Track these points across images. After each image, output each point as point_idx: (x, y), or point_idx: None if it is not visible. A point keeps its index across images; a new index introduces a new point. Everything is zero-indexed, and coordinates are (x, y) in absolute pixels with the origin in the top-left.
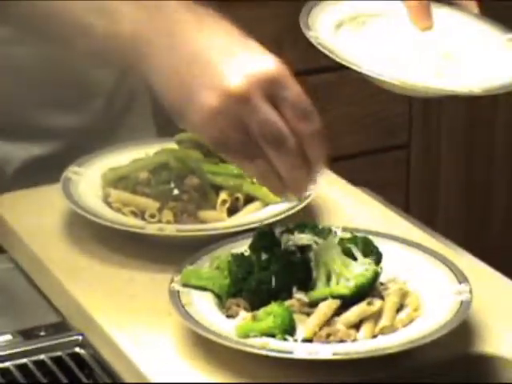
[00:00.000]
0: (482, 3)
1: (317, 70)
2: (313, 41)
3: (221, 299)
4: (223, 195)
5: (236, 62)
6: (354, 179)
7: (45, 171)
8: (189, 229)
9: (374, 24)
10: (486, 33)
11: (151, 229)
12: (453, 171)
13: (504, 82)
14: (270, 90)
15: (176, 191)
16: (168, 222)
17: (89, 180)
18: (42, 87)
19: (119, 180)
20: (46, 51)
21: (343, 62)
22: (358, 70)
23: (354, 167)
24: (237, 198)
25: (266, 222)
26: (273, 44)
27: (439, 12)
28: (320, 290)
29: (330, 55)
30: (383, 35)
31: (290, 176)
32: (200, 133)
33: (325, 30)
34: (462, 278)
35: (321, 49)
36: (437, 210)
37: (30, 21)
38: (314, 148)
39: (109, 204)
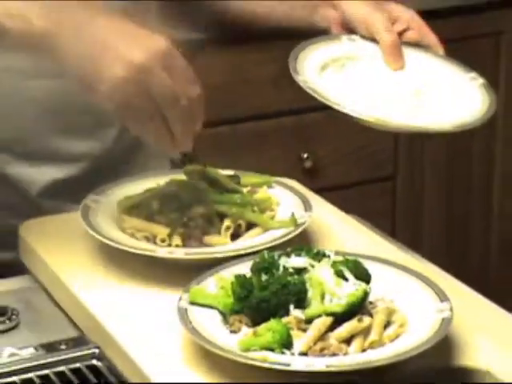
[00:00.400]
0: (447, 45)
1: (312, 108)
2: (301, 84)
3: (225, 316)
4: (227, 222)
5: (135, 40)
6: (345, 207)
7: (65, 193)
8: (196, 252)
9: (354, 66)
10: (452, 72)
11: (162, 252)
12: (435, 200)
13: (471, 119)
14: (165, 61)
15: (184, 218)
16: (177, 246)
17: (106, 208)
18: (59, 116)
19: (133, 208)
20: (63, 83)
21: (326, 103)
22: (339, 109)
23: (345, 196)
24: (239, 225)
25: (266, 246)
26: (271, 84)
27: (410, 53)
28: (315, 308)
29: (315, 96)
30: (362, 76)
31: (180, 129)
32: (108, 100)
33: (310, 73)
34: (443, 297)
35: (308, 91)
36: (421, 236)
37: None
38: (198, 106)
39: (124, 230)
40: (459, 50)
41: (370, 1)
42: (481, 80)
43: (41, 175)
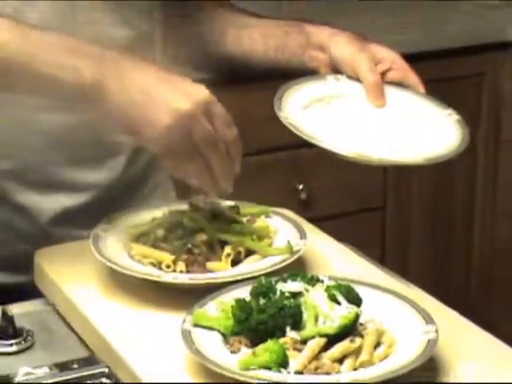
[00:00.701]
0: (427, 84)
1: (307, 144)
2: (282, 120)
3: (225, 337)
4: (228, 249)
5: (179, 89)
6: (338, 236)
7: (74, 220)
8: (199, 277)
9: (338, 104)
10: (430, 109)
11: (167, 277)
12: (421, 230)
13: (444, 153)
14: (206, 108)
15: (188, 246)
16: (181, 272)
17: (115, 236)
18: (69, 147)
19: (140, 236)
20: (73, 116)
21: (306, 138)
22: (318, 144)
23: (338, 226)
24: (239, 252)
25: (264, 271)
26: (269, 122)
27: (392, 92)
28: (309, 329)
29: (296, 132)
30: (345, 113)
31: (220, 169)
32: (154, 145)
33: (294, 110)
34: (429, 319)
35: (288, 127)
36: (408, 263)
37: (4, 80)
38: (235, 147)
39: (132, 256)
40: (444, 90)
41: (355, 43)
42: (456, 116)
43: (50, 203)
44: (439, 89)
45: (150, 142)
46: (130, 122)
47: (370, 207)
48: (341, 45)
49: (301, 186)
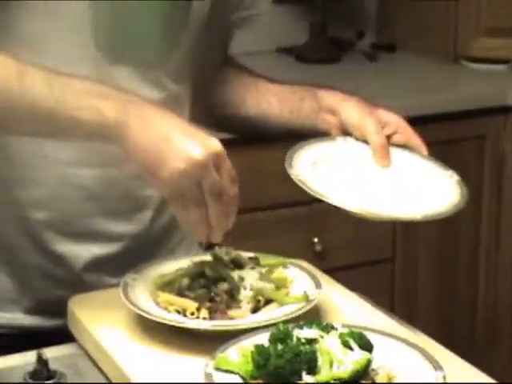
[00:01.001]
0: (432, 146)
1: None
2: (293, 177)
3: (245, 381)
4: (248, 298)
5: (196, 139)
6: (350, 286)
7: (105, 268)
8: (221, 324)
9: (345, 163)
10: (432, 170)
11: (191, 324)
12: (428, 279)
13: (441, 211)
14: (217, 160)
15: (211, 294)
16: (204, 319)
17: (143, 284)
18: (101, 200)
19: (166, 285)
20: (106, 171)
21: (314, 195)
22: (327, 201)
23: (350, 276)
24: (258, 300)
25: (282, 319)
26: (283, 179)
27: (397, 153)
28: (324, 374)
29: (305, 188)
30: (352, 172)
31: (217, 219)
32: (165, 187)
33: (304, 167)
34: (437, 366)
35: (298, 184)
36: (416, 311)
37: (31, 124)
38: (234, 203)
39: (158, 304)
40: (447, 151)
41: (363, 107)
42: (457, 177)
43: (83, 252)
44: (443, 150)
45: (161, 185)
46: (146, 163)
47: (380, 259)
48: (350, 109)
49: (316, 239)
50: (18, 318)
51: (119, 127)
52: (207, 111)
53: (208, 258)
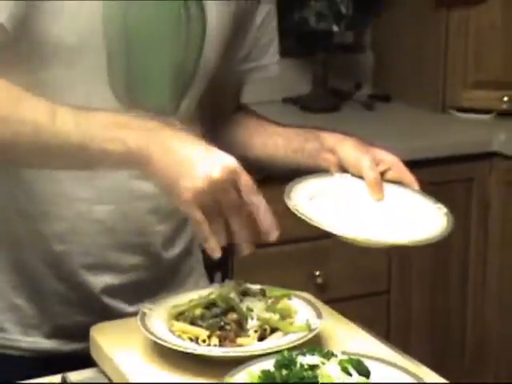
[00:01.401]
0: (428, 188)
1: (322, 236)
2: (290, 207)
3: None
4: (255, 327)
5: (213, 158)
6: (349, 316)
7: (120, 296)
8: (230, 351)
9: (341, 196)
10: (422, 203)
11: (203, 351)
12: (421, 311)
13: (427, 237)
14: (233, 176)
15: (221, 323)
16: (215, 346)
17: (158, 314)
18: (114, 234)
19: (180, 314)
20: (119, 208)
21: (310, 222)
22: (321, 227)
23: (349, 307)
24: (265, 329)
25: (286, 346)
26: (287, 215)
27: (390, 188)
28: None
29: (302, 217)
30: (347, 204)
31: (239, 231)
32: (186, 205)
33: (302, 199)
34: None
35: (296, 213)
36: (410, 339)
37: (63, 159)
38: (264, 211)
39: (172, 332)
40: (437, 193)
41: (359, 147)
42: (445, 210)
43: (99, 281)
44: (434, 192)
45: (182, 204)
46: (169, 186)
47: (377, 291)
48: (347, 148)
49: (317, 272)
50: (39, 341)
51: (142, 154)
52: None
53: (218, 289)
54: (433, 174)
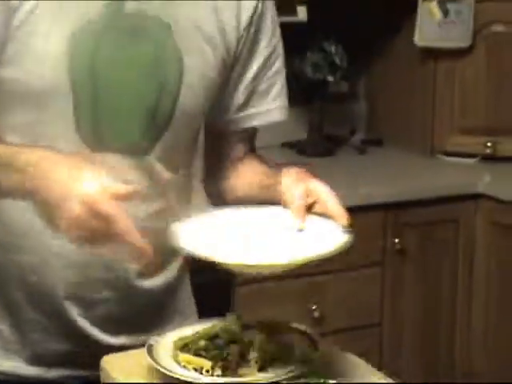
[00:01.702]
0: (410, 229)
1: (319, 272)
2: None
3: None
4: (256, 357)
5: (68, 197)
6: (344, 347)
7: (94, 326)
8: (232, 381)
9: (231, 226)
10: (331, 227)
11: (206, 380)
12: (412, 342)
13: (310, 256)
14: (94, 208)
15: (224, 354)
16: (218, 376)
17: (165, 346)
18: (82, 269)
19: (185, 346)
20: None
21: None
22: (209, 258)
23: (344, 338)
24: (265, 360)
25: (285, 376)
26: None
27: (313, 219)
28: None
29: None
30: (231, 234)
31: (132, 255)
32: (64, 230)
33: (185, 234)
34: None
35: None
36: (401, 368)
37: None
38: (130, 236)
39: (178, 362)
40: (425, 232)
41: (297, 176)
42: (349, 233)
43: (73, 312)
44: (422, 231)
45: (60, 229)
46: (45, 216)
47: (370, 323)
48: (286, 177)
49: (314, 306)
50: (20, 367)
51: (32, 190)
52: (211, 191)
53: (220, 323)
54: (421, 215)
